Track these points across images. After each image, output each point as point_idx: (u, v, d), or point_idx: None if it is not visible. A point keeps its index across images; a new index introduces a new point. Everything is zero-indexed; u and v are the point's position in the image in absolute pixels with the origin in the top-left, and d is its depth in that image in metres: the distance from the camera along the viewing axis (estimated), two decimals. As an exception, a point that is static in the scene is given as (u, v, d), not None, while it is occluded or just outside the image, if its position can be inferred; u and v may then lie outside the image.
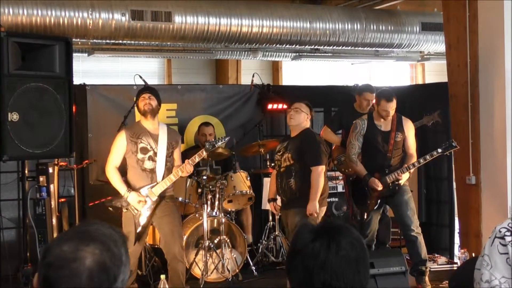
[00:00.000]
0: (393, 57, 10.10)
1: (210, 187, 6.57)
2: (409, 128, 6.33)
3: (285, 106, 7.29)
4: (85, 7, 6.83)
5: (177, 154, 5.79)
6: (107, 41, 7.64)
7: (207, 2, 7.51)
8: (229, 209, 7.05)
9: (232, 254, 6.66)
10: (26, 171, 5.99)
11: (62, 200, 6.67)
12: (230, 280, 6.40)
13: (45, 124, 5.61)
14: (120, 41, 7.73)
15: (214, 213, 6.65)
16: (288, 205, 5.84)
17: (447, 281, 5.64)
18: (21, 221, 6.19)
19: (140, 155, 5.61)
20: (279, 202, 6.10)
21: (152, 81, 9.20)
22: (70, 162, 6.71)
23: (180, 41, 7.64)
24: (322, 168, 5.74)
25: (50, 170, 6.16)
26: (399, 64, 11.57)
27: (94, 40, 7.50)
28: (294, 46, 8.37)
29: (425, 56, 10.40)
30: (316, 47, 8.68)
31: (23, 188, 5.91)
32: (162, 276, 5.16)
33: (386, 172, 6.18)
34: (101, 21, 6.90)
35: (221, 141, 5.76)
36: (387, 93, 6.28)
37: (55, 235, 6.15)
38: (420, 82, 12.18)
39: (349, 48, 8.65)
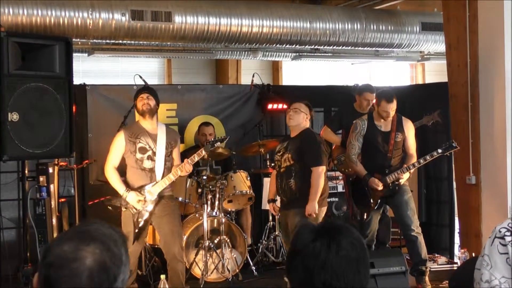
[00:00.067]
0: (393, 57, 10.10)
1: (210, 187, 6.58)
2: (409, 129, 6.33)
3: (285, 106, 7.29)
4: (85, 7, 6.83)
5: (176, 154, 5.79)
6: (107, 41, 7.64)
7: (207, 2, 7.51)
8: (229, 209, 7.05)
9: (232, 254, 6.66)
10: (26, 171, 5.99)
11: (62, 200, 6.67)
12: (230, 280, 6.41)
13: (45, 124, 5.61)
14: (120, 41, 7.73)
15: (214, 213, 6.65)
16: (288, 205, 5.84)
17: (447, 281, 5.64)
18: (21, 221, 6.19)
19: (138, 155, 5.61)
20: (278, 203, 6.11)
21: (152, 81, 9.20)
22: (70, 162, 6.71)
23: (180, 41, 7.64)
24: (322, 169, 5.73)
25: (50, 170, 6.16)
26: (399, 64, 11.58)
27: (94, 40, 7.50)
28: (294, 46, 8.37)
29: (425, 56, 10.40)
30: (316, 47, 8.68)
31: (23, 188, 5.92)
32: (162, 276, 5.16)
33: (386, 172, 6.18)
34: (101, 21, 6.90)
35: (220, 141, 5.76)
36: (387, 94, 6.27)
37: (55, 235, 6.15)
38: (420, 82, 12.18)
39: (349, 48, 8.65)
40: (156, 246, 6.56)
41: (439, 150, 6.05)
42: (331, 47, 8.73)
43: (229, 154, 6.97)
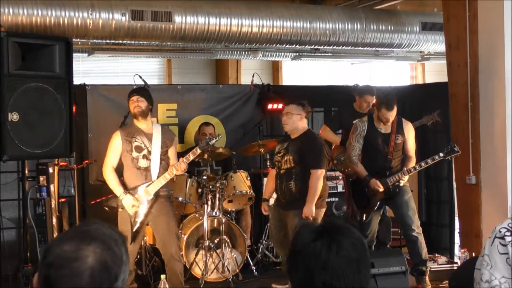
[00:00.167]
0: (393, 57, 10.10)
1: (210, 187, 6.58)
2: (409, 131, 6.33)
3: (285, 106, 7.29)
4: (85, 7, 6.83)
5: (172, 153, 5.81)
6: (107, 41, 7.64)
7: (207, 2, 7.51)
8: (229, 209, 7.05)
9: (232, 254, 6.66)
10: (26, 171, 5.99)
11: (62, 200, 6.67)
12: (230, 280, 6.40)
13: (45, 124, 5.60)
14: (120, 41, 7.73)
15: (214, 213, 6.65)
16: (287, 206, 5.84)
17: (447, 281, 5.64)
18: (21, 221, 6.19)
19: (134, 154, 5.64)
20: (271, 202, 6.12)
21: (152, 81, 9.21)
22: (70, 162, 6.71)
23: (180, 41, 7.64)
24: (321, 172, 5.73)
25: (50, 170, 6.17)
26: (399, 64, 11.58)
27: (94, 40, 7.50)
28: (294, 46, 8.37)
29: (425, 56, 10.40)
30: (316, 47, 8.68)
31: (23, 188, 5.91)
32: (162, 276, 5.16)
33: (387, 174, 6.17)
34: (101, 21, 6.90)
35: (215, 139, 5.78)
36: (388, 100, 6.17)
37: (55, 235, 6.15)
38: (420, 82, 12.18)
39: (349, 48, 8.65)
40: (156, 246, 6.56)
41: (441, 154, 6.04)
42: (331, 47, 8.72)
43: (229, 154, 6.97)
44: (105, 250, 1.61)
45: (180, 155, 5.95)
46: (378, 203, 6.25)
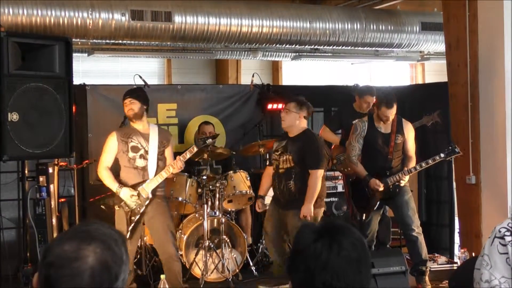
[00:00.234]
0: (393, 57, 10.10)
1: (210, 187, 6.58)
2: (409, 131, 6.33)
3: (285, 106, 7.30)
4: (85, 7, 6.83)
5: (169, 153, 5.82)
6: (107, 41, 7.64)
7: (207, 2, 7.51)
8: (229, 209, 7.05)
9: (232, 254, 6.66)
10: (26, 171, 5.99)
11: (62, 200, 6.67)
12: (230, 280, 6.40)
13: (45, 124, 5.61)
14: (120, 41, 7.73)
15: (214, 213, 6.65)
16: (286, 206, 5.83)
17: (447, 281, 5.64)
18: (21, 221, 6.19)
19: (131, 154, 5.65)
20: (267, 200, 6.11)
21: (152, 81, 9.20)
22: (70, 162, 6.71)
23: (180, 41, 7.64)
24: (321, 172, 5.73)
25: (50, 170, 6.16)
26: (399, 64, 11.57)
27: (94, 40, 7.50)
28: (294, 46, 8.37)
29: (425, 56, 10.40)
30: (316, 47, 8.68)
31: (23, 188, 5.91)
32: (162, 276, 5.15)
33: (387, 174, 6.17)
34: (101, 21, 6.90)
35: (212, 138, 5.78)
36: (388, 98, 6.18)
37: (55, 235, 6.15)
38: (420, 82, 12.18)
39: (349, 48, 8.64)
40: (154, 246, 6.57)
41: (442, 155, 6.04)
42: (331, 47, 8.72)
43: (229, 154, 6.97)
44: (105, 250, 1.61)
45: (179, 155, 5.95)
46: (378, 203, 6.25)
